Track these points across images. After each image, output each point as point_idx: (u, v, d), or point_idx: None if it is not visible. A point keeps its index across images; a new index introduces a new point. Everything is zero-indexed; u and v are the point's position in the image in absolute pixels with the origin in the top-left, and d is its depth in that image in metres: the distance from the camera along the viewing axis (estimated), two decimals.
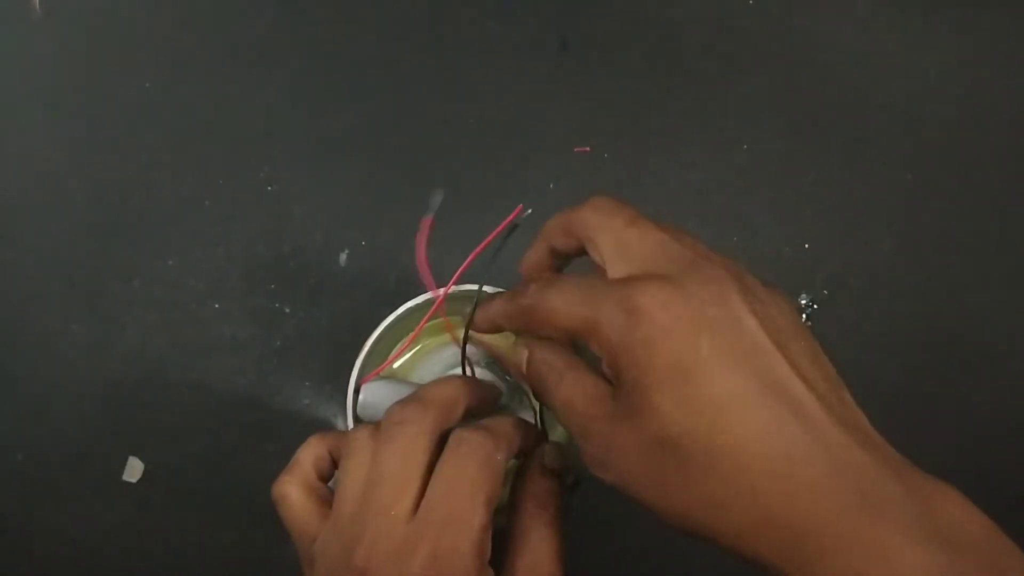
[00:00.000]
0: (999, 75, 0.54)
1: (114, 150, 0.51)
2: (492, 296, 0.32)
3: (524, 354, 0.30)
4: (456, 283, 0.39)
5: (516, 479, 0.32)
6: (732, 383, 0.23)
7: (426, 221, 0.36)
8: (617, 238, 0.28)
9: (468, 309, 0.38)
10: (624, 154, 0.51)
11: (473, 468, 0.28)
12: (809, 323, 0.50)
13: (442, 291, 0.39)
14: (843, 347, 0.49)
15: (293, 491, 0.31)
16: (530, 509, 0.31)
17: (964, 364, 0.50)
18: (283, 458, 0.33)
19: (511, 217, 0.36)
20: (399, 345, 0.41)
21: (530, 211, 0.37)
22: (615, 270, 0.27)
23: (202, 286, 0.49)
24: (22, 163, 0.50)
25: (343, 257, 0.50)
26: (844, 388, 0.25)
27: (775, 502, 0.22)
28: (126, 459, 0.47)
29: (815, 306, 0.50)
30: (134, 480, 0.47)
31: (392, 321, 0.39)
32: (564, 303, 0.27)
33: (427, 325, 0.44)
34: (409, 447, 0.29)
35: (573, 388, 0.27)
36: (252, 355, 0.49)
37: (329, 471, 0.33)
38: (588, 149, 0.51)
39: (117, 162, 0.51)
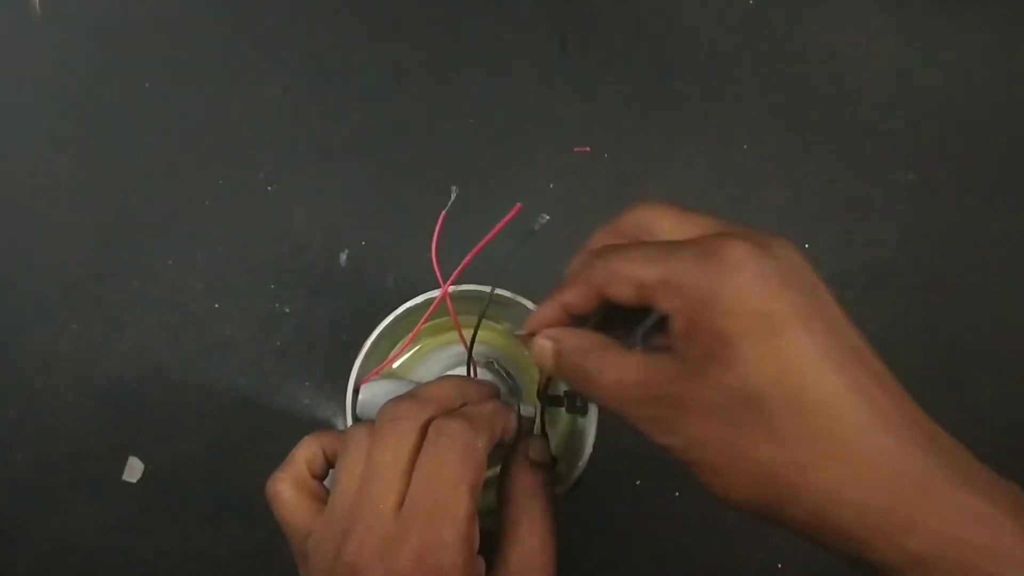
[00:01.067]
0: (999, 75, 0.54)
1: (114, 150, 0.51)
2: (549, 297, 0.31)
3: (549, 347, 0.29)
4: (456, 282, 0.39)
5: (502, 474, 0.32)
6: (820, 341, 0.23)
7: (441, 217, 0.36)
8: (677, 219, 0.28)
9: (476, 309, 0.38)
10: (624, 154, 0.51)
11: (453, 458, 0.28)
12: None
13: (438, 292, 0.39)
14: None
15: (286, 488, 0.31)
16: (519, 501, 0.31)
17: (964, 364, 0.50)
18: (283, 459, 0.33)
19: (509, 216, 0.36)
20: (398, 345, 0.41)
21: (547, 218, 0.37)
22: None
23: (202, 286, 0.49)
24: (22, 163, 0.50)
25: (343, 257, 0.50)
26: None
27: (865, 464, 0.22)
28: (126, 459, 0.47)
29: None
30: (134, 480, 0.47)
31: (392, 321, 0.39)
32: (638, 260, 0.26)
33: (427, 325, 0.44)
34: (400, 442, 0.29)
35: (621, 365, 0.27)
36: (252, 355, 0.49)
37: (323, 469, 0.33)
38: (588, 149, 0.51)
39: (117, 162, 0.51)
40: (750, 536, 0.46)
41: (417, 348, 0.44)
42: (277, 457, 0.33)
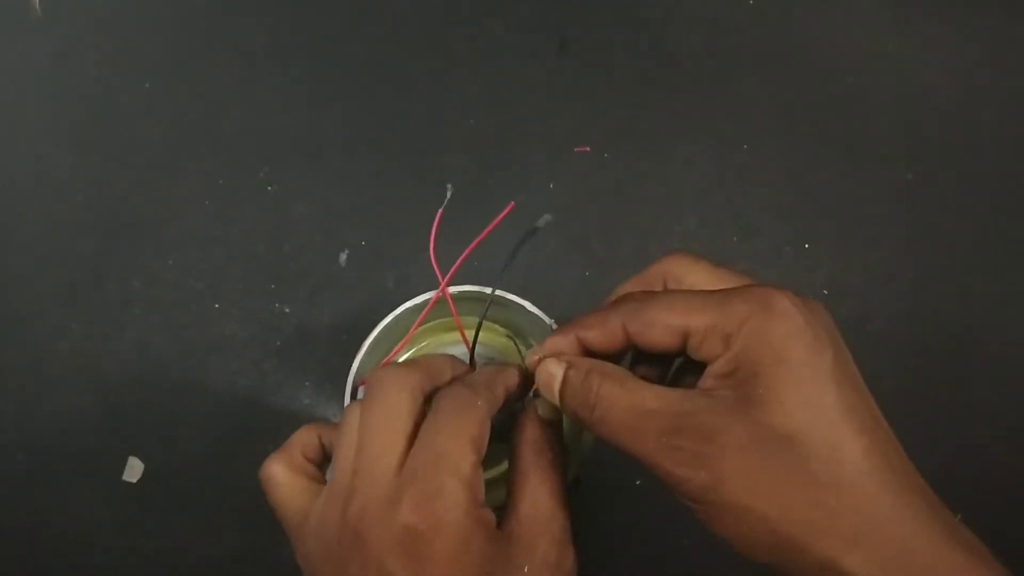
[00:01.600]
0: (999, 75, 0.54)
1: (114, 150, 0.51)
2: (569, 325, 0.31)
3: (558, 372, 0.30)
4: (454, 282, 0.39)
5: (511, 432, 0.32)
6: (854, 397, 0.25)
7: (438, 215, 0.36)
8: (708, 273, 0.29)
9: (477, 310, 0.38)
10: (624, 154, 0.51)
11: (453, 415, 0.28)
12: None
13: (432, 295, 0.39)
14: None
15: (279, 470, 0.32)
16: (527, 455, 0.31)
17: (964, 364, 0.50)
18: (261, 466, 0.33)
19: (503, 214, 0.36)
20: (397, 345, 0.41)
21: (549, 217, 0.38)
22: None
23: (202, 286, 0.49)
24: (22, 163, 0.50)
25: (343, 257, 0.50)
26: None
27: (884, 516, 0.24)
28: (126, 459, 0.47)
29: None
30: (134, 480, 0.47)
31: (392, 321, 0.39)
32: (682, 309, 0.27)
33: (428, 326, 0.44)
34: (391, 403, 0.29)
35: (641, 391, 0.27)
36: (252, 355, 0.49)
37: (319, 455, 0.33)
38: (588, 149, 0.51)
39: (117, 162, 0.51)
40: None
41: (417, 348, 0.44)
42: None
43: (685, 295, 0.28)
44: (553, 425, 0.32)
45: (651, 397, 0.27)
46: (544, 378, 0.30)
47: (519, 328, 0.44)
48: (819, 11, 0.54)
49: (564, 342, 0.30)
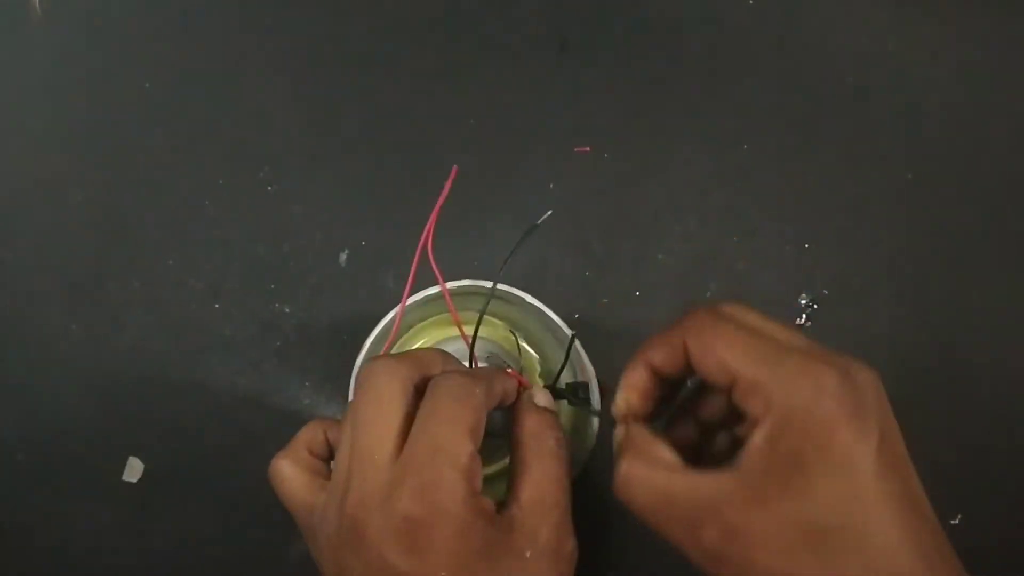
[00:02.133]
0: (999, 75, 0.54)
1: (114, 151, 0.51)
2: (641, 354, 0.30)
3: (619, 433, 0.30)
4: (452, 279, 0.39)
5: (510, 423, 0.32)
6: (889, 488, 0.24)
7: (434, 213, 0.37)
8: (745, 340, 0.27)
9: (477, 305, 0.38)
10: (624, 154, 0.51)
11: (451, 402, 0.28)
12: (809, 323, 0.50)
13: (437, 288, 0.39)
14: (843, 347, 0.49)
15: (286, 465, 0.32)
16: (528, 443, 0.31)
17: (964, 364, 0.50)
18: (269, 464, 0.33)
19: (449, 181, 0.36)
20: (398, 340, 0.41)
21: (549, 212, 0.38)
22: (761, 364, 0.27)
23: (202, 286, 0.49)
24: (22, 164, 0.50)
25: (343, 257, 0.50)
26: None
27: None
28: (126, 459, 0.47)
29: (815, 306, 0.50)
30: (134, 480, 0.47)
31: (390, 321, 0.39)
32: (743, 353, 0.26)
33: (425, 323, 0.44)
34: (382, 394, 0.29)
35: (674, 483, 0.27)
36: (252, 355, 0.49)
37: (325, 452, 0.33)
38: (588, 149, 0.51)
39: (117, 163, 0.51)
40: None
41: (418, 345, 0.44)
42: None
43: (748, 337, 0.27)
44: (552, 412, 0.32)
45: (679, 481, 0.26)
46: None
47: (518, 323, 0.44)
48: (819, 11, 0.54)
49: (635, 377, 0.30)
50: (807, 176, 0.52)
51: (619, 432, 0.30)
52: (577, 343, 0.39)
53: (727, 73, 0.53)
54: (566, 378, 0.41)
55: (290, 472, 0.31)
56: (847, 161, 0.52)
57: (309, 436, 0.33)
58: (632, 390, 0.30)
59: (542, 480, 0.30)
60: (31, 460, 0.48)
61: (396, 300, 0.49)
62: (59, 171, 0.50)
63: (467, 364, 0.38)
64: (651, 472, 0.27)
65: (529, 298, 0.40)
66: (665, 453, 0.28)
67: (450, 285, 0.39)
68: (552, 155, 0.51)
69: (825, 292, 0.50)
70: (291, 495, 0.31)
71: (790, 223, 0.51)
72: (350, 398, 0.38)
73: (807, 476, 0.24)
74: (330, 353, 0.49)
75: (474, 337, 0.38)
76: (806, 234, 0.51)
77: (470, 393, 0.29)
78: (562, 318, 0.40)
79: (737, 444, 0.29)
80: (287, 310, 0.49)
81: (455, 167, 0.36)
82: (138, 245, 0.50)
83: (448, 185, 0.36)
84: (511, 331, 0.43)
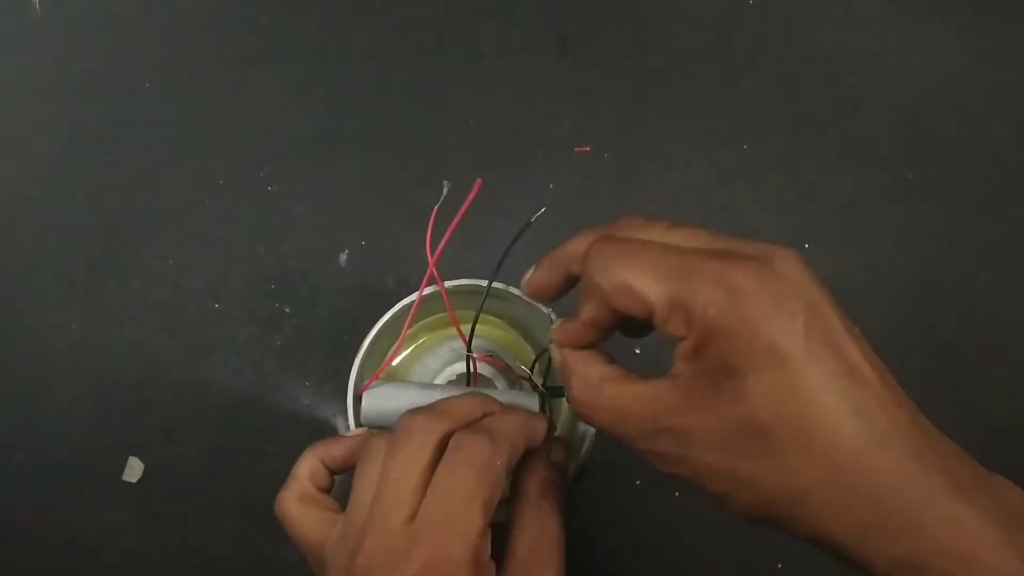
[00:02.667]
0: (999, 75, 0.54)
1: (114, 150, 0.51)
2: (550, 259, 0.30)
3: (556, 357, 0.30)
4: (451, 279, 0.39)
5: (518, 469, 0.32)
6: (825, 368, 0.23)
7: (433, 212, 0.36)
8: (665, 240, 0.27)
9: (474, 304, 0.38)
10: (624, 154, 0.51)
11: (470, 475, 0.28)
12: None
13: (432, 288, 0.39)
14: None
15: (293, 507, 0.32)
16: (532, 499, 0.31)
17: (964, 364, 0.50)
18: (283, 458, 0.33)
19: (472, 194, 0.36)
20: (396, 343, 0.41)
21: (544, 209, 0.37)
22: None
23: (202, 286, 0.49)
24: (22, 163, 0.50)
25: (343, 257, 0.50)
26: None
27: (860, 482, 0.23)
28: (126, 459, 0.47)
29: None
30: (134, 480, 0.47)
31: (388, 320, 0.39)
32: (652, 274, 0.25)
33: (426, 321, 0.44)
34: (415, 456, 0.29)
35: (619, 398, 0.27)
36: (252, 355, 0.49)
37: (326, 481, 0.33)
38: (588, 149, 0.51)
39: (117, 162, 0.51)
40: (750, 536, 0.46)
41: (416, 344, 0.44)
42: (277, 457, 0.33)
43: (648, 257, 0.26)
44: (561, 469, 0.32)
45: (629, 402, 0.26)
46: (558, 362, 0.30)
47: (516, 320, 0.44)
48: (819, 11, 0.54)
49: (572, 330, 0.30)
50: (807, 176, 0.52)
51: (556, 356, 0.30)
52: None
53: (727, 73, 0.53)
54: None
55: (297, 512, 0.31)
56: (847, 161, 0.52)
57: (308, 469, 0.33)
58: (565, 341, 0.30)
59: (541, 543, 0.30)
60: (31, 460, 0.48)
61: (396, 300, 0.49)
62: (59, 171, 0.50)
63: (466, 363, 0.38)
64: (597, 392, 0.27)
65: (526, 296, 0.40)
66: (604, 368, 0.28)
67: (447, 284, 0.39)
68: (552, 155, 0.51)
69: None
70: (302, 536, 0.31)
71: (790, 223, 0.51)
72: (348, 408, 0.38)
73: (737, 379, 0.24)
74: (330, 353, 0.49)
75: (471, 335, 0.38)
76: (806, 234, 0.51)
77: (490, 467, 0.28)
78: (560, 313, 0.40)
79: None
80: (287, 310, 0.49)
81: (479, 181, 0.36)
82: (138, 245, 0.49)
83: (471, 198, 0.36)
84: (516, 328, 0.43)
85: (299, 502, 0.32)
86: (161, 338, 0.49)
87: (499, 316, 0.44)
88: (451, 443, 0.29)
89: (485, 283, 0.39)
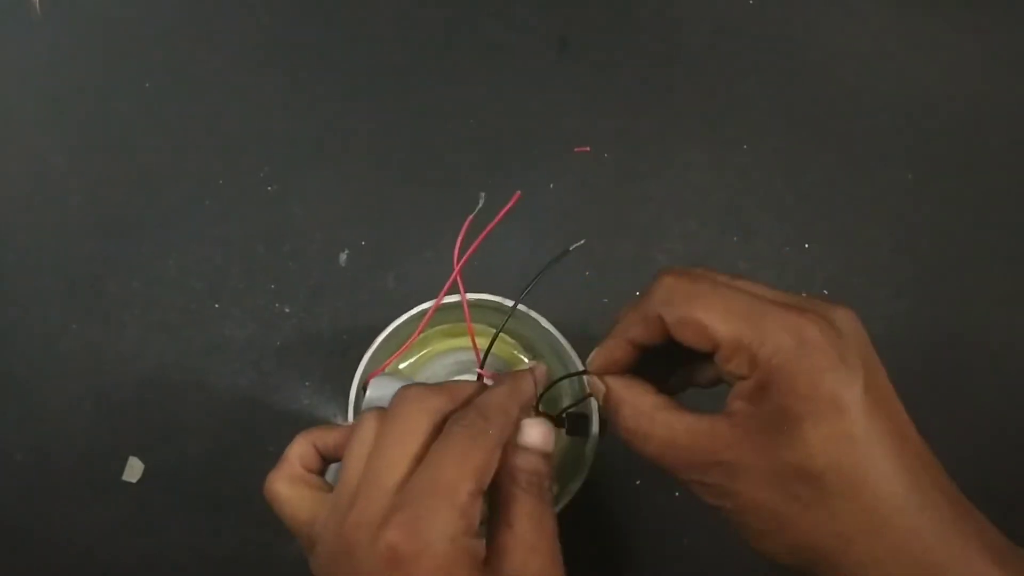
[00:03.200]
0: (999, 75, 0.54)
1: (114, 150, 0.51)
2: (618, 325, 0.30)
3: (600, 389, 0.31)
4: (454, 291, 0.39)
5: (505, 459, 0.31)
6: (879, 426, 0.25)
7: (467, 221, 0.37)
8: (723, 298, 0.28)
9: (486, 317, 0.38)
10: (624, 154, 0.51)
11: (460, 442, 0.28)
12: None
13: (456, 297, 0.39)
14: None
15: (283, 487, 0.32)
16: (514, 488, 0.30)
17: (964, 364, 0.50)
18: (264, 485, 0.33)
19: (510, 205, 0.36)
20: (406, 344, 0.41)
21: (583, 242, 0.38)
22: (734, 327, 0.27)
23: (202, 286, 0.49)
24: (22, 163, 0.50)
25: (343, 257, 0.50)
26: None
27: (902, 538, 0.24)
28: (126, 459, 0.47)
29: None
30: (134, 480, 0.47)
31: (407, 320, 0.39)
32: (723, 314, 0.27)
33: (438, 329, 0.44)
34: (410, 424, 0.29)
35: (671, 428, 0.28)
36: (252, 355, 0.49)
37: (317, 464, 0.33)
38: (588, 149, 0.51)
39: (117, 162, 0.51)
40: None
41: (418, 356, 0.44)
42: (277, 457, 0.33)
43: (724, 297, 0.27)
44: (547, 457, 0.32)
45: (680, 433, 0.27)
46: (595, 392, 0.31)
47: (527, 340, 0.44)
48: (819, 11, 0.54)
49: (614, 350, 0.30)
50: (807, 176, 0.52)
51: (598, 386, 0.31)
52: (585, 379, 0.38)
53: (727, 73, 0.53)
54: (564, 403, 0.40)
55: (287, 491, 0.31)
56: (847, 161, 0.52)
57: (300, 451, 0.33)
58: (611, 364, 0.31)
59: (523, 522, 0.29)
60: (31, 460, 0.48)
61: (396, 300, 0.49)
62: (59, 171, 0.50)
63: (468, 376, 0.38)
64: (650, 421, 0.28)
65: (544, 322, 0.39)
66: (655, 398, 0.29)
67: (470, 297, 0.39)
68: (552, 155, 0.51)
69: (825, 292, 0.50)
70: (291, 515, 0.31)
71: (790, 223, 0.51)
72: (350, 398, 0.38)
73: (795, 424, 0.25)
74: (330, 353, 0.49)
75: (487, 352, 0.38)
76: (806, 234, 0.51)
77: (481, 433, 0.29)
78: (561, 318, 0.40)
79: (717, 374, 0.30)
80: (287, 310, 0.49)
81: (518, 192, 0.36)
82: (138, 245, 0.50)
83: (506, 209, 0.36)
84: (529, 347, 0.43)
85: (288, 482, 0.32)
86: (161, 338, 0.49)
87: (510, 334, 0.44)
88: (445, 425, 0.29)
89: (503, 300, 0.39)
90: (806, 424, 0.25)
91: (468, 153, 0.51)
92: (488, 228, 0.37)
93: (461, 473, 0.27)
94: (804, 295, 0.28)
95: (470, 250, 0.36)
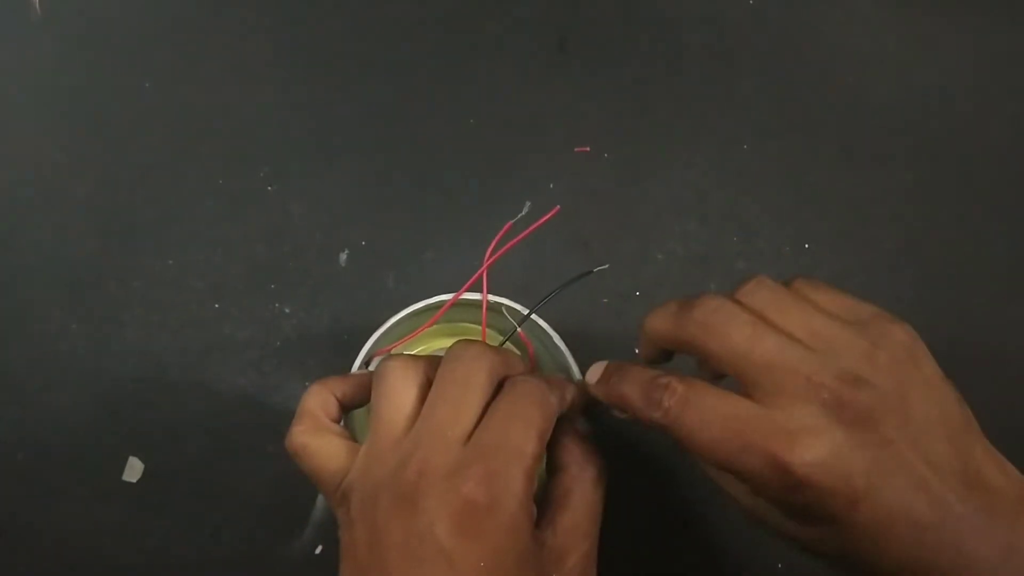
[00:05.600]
0: (999, 75, 0.54)
1: (114, 150, 0.51)
2: (623, 370, 0.31)
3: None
4: (470, 289, 0.39)
5: (551, 446, 0.32)
6: (894, 503, 0.25)
7: (506, 226, 0.37)
8: (741, 360, 0.27)
9: (490, 319, 0.38)
10: (624, 154, 0.51)
11: (528, 404, 0.28)
12: None
13: (477, 295, 0.39)
14: None
15: (310, 439, 0.31)
16: (571, 470, 0.31)
17: (964, 364, 0.50)
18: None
19: (548, 216, 0.36)
20: (413, 332, 0.41)
21: (607, 266, 0.38)
22: (752, 389, 0.27)
23: (202, 286, 0.49)
24: (22, 163, 0.50)
25: (343, 257, 0.50)
26: (976, 443, 0.28)
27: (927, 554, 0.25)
28: (126, 459, 0.47)
29: None
30: (134, 480, 0.47)
31: (423, 307, 0.39)
32: (708, 435, 0.27)
33: (437, 327, 0.44)
34: (472, 377, 0.29)
35: (739, 410, 0.27)
36: (252, 355, 0.49)
37: (338, 413, 0.33)
38: (588, 149, 0.51)
39: (117, 162, 0.51)
40: (750, 536, 0.46)
41: (422, 348, 0.44)
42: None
43: (720, 415, 0.27)
44: (592, 440, 0.33)
45: (742, 409, 0.27)
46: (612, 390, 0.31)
47: (534, 352, 0.44)
48: (819, 11, 0.54)
49: (646, 352, 0.31)
50: (807, 176, 0.52)
51: (665, 380, 0.30)
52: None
53: (727, 73, 0.53)
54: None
55: (315, 442, 0.31)
56: (847, 161, 0.52)
57: (320, 401, 0.32)
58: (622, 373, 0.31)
59: (581, 511, 0.30)
60: (31, 460, 0.48)
61: (396, 300, 0.49)
62: (59, 171, 0.50)
63: None
64: (717, 402, 0.27)
65: (556, 337, 0.39)
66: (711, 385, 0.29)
67: (487, 299, 0.39)
68: (552, 155, 0.51)
69: None
70: (321, 467, 0.31)
71: (790, 223, 0.51)
72: (356, 363, 0.37)
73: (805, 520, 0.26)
74: (330, 353, 0.48)
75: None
76: (806, 234, 0.51)
77: (546, 399, 0.29)
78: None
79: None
80: (287, 310, 0.49)
81: (558, 207, 0.37)
82: (138, 245, 0.50)
83: (544, 219, 0.37)
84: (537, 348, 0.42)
85: (314, 433, 0.31)
86: (161, 338, 0.49)
87: (503, 334, 0.44)
88: (507, 382, 0.30)
89: (518, 307, 0.39)
90: (814, 526, 0.26)
91: (468, 153, 0.51)
92: (523, 234, 0.37)
93: (527, 436, 0.28)
94: (869, 311, 0.29)
95: (500, 252, 0.36)
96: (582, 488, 0.31)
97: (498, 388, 0.30)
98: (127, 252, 0.49)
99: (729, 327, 0.27)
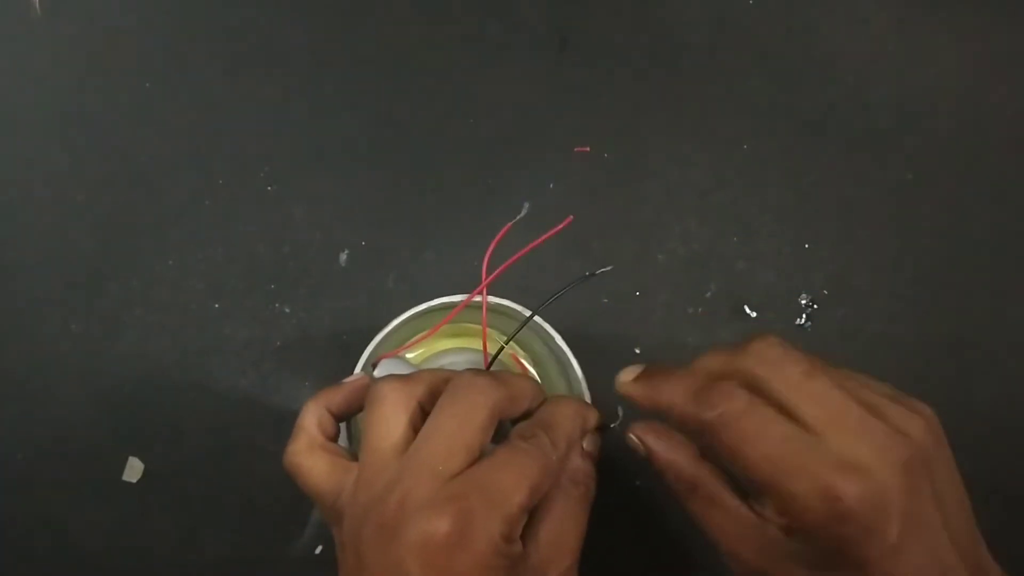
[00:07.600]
0: (999, 75, 0.54)
1: (114, 150, 0.51)
2: (668, 371, 0.30)
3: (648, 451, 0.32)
4: (487, 290, 0.39)
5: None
6: (922, 562, 0.25)
7: (505, 228, 0.37)
8: (795, 391, 0.27)
9: (495, 321, 0.38)
10: (624, 154, 0.51)
11: (527, 459, 0.28)
12: (809, 323, 0.50)
13: (423, 306, 0.39)
14: (843, 347, 0.49)
15: (304, 458, 0.31)
16: (564, 485, 0.31)
17: (964, 364, 0.50)
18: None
19: (561, 226, 0.36)
20: (418, 336, 0.41)
21: (610, 268, 0.38)
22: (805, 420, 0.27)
23: (202, 286, 0.49)
24: (22, 163, 0.50)
25: (343, 257, 0.50)
26: (981, 539, 0.28)
27: None
28: (126, 459, 0.47)
29: (815, 306, 0.50)
30: (134, 480, 0.47)
31: (425, 309, 0.39)
32: (761, 450, 0.27)
33: (449, 327, 0.44)
34: (472, 414, 0.29)
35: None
36: (252, 355, 0.49)
37: (333, 430, 0.33)
38: (588, 149, 0.51)
39: (117, 162, 0.51)
40: None
41: (414, 356, 0.44)
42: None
43: (778, 435, 0.27)
44: (593, 459, 0.33)
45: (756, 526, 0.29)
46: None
47: (535, 354, 0.44)
48: (819, 11, 0.54)
49: (658, 401, 0.31)
50: (807, 176, 0.52)
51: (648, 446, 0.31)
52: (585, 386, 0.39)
53: (727, 73, 0.53)
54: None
55: (309, 462, 0.31)
56: (847, 161, 0.52)
57: (316, 418, 0.32)
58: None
59: (565, 530, 0.30)
60: (31, 460, 0.48)
61: (396, 300, 0.49)
62: (59, 171, 0.50)
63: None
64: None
65: (559, 339, 0.39)
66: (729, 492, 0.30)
67: (490, 300, 0.39)
68: (552, 155, 0.51)
69: (825, 292, 0.50)
70: (316, 486, 0.31)
71: (790, 223, 0.51)
72: (357, 368, 0.37)
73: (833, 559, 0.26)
74: (330, 353, 0.49)
75: (493, 359, 0.38)
76: (806, 234, 0.51)
77: (547, 455, 0.29)
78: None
79: None
80: (287, 310, 0.49)
81: (570, 217, 0.37)
82: (138, 245, 0.49)
83: (559, 228, 0.37)
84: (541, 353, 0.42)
85: (309, 452, 0.31)
86: (161, 338, 0.49)
87: (520, 345, 0.44)
88: (514, 431, 0.30)
89: (521, 308, 0.39)
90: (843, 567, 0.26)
91: (468, 153, 0.51)
92: (533, 244, 0.37)
93: (518, 486, 0.27)
94: (890, 394, 0.29)
95: (509, 261, 0.36)
96: (569, 504, 0.30)
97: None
98: (127, 252, 0.49)
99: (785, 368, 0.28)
